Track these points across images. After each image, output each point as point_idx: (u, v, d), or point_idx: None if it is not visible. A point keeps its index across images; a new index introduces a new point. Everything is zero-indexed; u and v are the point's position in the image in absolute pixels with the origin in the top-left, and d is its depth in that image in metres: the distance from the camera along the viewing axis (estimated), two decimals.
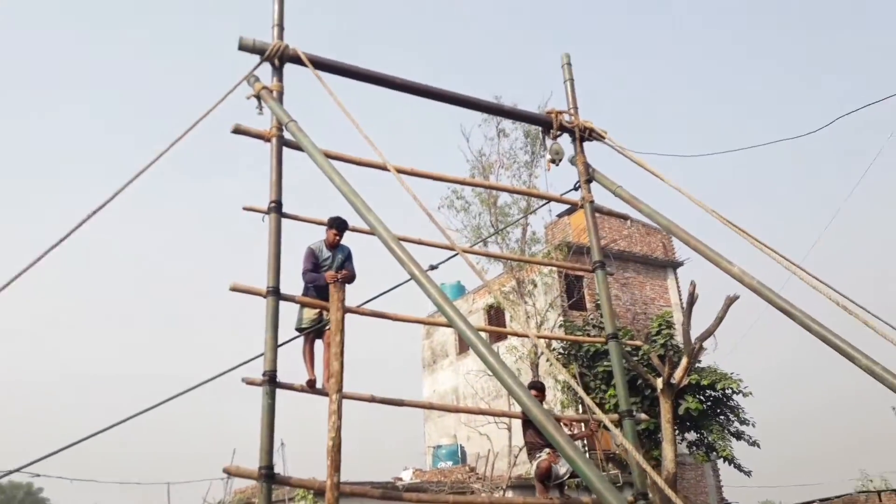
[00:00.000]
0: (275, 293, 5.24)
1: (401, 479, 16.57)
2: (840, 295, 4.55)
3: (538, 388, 7.77)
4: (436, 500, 7.25)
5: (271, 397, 4.99)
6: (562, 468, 7.67)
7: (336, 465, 4.82)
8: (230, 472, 5.32)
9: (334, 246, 6.74)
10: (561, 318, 20.61)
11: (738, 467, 18.96)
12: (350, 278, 6.50)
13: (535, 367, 18.48)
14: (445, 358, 25.52)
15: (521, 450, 16.22)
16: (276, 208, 5.47)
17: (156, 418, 5.73)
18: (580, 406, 18.55)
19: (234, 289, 5.35)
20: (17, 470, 5.83)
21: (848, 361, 4.13)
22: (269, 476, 4.88)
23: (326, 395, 5.23)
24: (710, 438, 18.11)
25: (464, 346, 23.41)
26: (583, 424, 9.77)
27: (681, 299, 23.80)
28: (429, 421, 25.44)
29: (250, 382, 5.22)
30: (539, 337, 11.23)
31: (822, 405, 59.46)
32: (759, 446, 18.25)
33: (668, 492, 3.08)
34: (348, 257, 6.84)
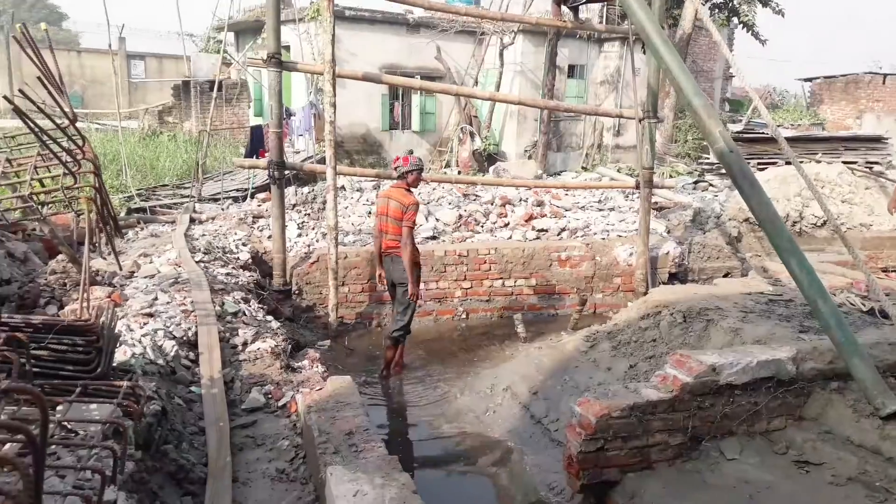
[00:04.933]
0: None
1: (411, 13, 16.22)
2: None
3: None
4: None
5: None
6: None
7: None
8: None
9: None
10: None
11: (756, 35, 18.60)
12: None
13: None
14: None
15: None
16: None
17: None
18: None
19: None
20: None
21: None
22: None
23: None
24: (736, 1, 17.28)
25: None
26: None
27: None
28: None
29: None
30: None
31: None
32: (783, 15, 17.57)
33: None
34: None
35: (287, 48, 15.73)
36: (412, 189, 6.05)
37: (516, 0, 16.81)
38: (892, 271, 9.59)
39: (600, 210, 10.62)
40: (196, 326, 4.88)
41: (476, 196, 10.45)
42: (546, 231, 9.36)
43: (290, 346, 5.21)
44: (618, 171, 15.47)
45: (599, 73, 17.77)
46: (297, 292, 7.48)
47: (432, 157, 16.09)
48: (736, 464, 3.82)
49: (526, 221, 9.59)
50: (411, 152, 15.05)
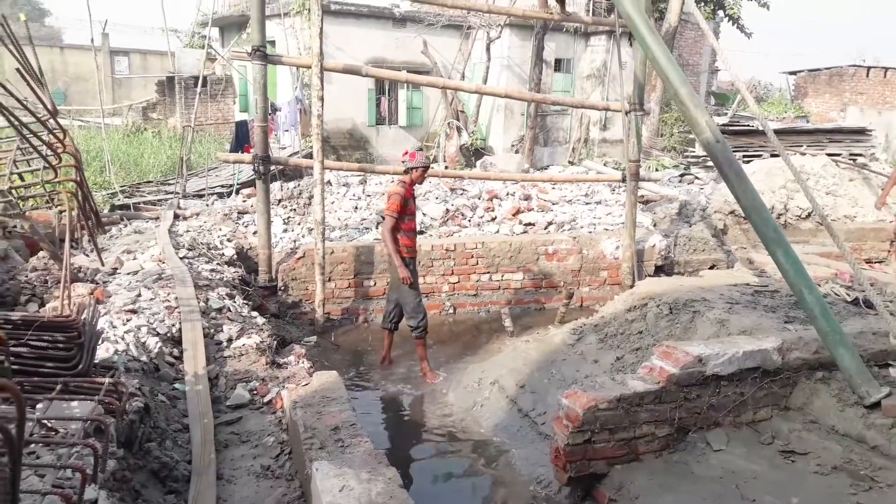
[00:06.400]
0: None
1: (397, 6, 16.17)
2: None
3: None
4: None
5: None
6: None
7: None
8: None
9: None
10: None
11: (741, 28, 18.69)
12: None
13: None
14: None
15: None
16: None
17: None
18: None
19: None
20: None
21: None
22: None
23: None
24: None
25: None
26: None
27: None
28: None
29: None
30: None
31: None
32: (768, 7, 17.66)
33: None
34: None
35: (272, 43, 15.63)
36: (414, 185, 6.04)
37: None
38: (876, 262, 9.66)
39: (587, 204, 10.62)
40: (180, 323, 4.83)
41: (463, 190, 10.42)
42: (533, 225, 9.35)
43: (275, 342, 5.17)
44: (604, 164, 15.50)
45: (586, 66, 17.79)
46: (282, 288, 7.43)
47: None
48: (723, 454, 3.83)
49: (513, 215, 9.57)
50: (420, 149, 15.02)
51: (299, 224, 8.56)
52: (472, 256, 8.27)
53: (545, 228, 9.30)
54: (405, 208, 5.89)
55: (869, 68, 22.30)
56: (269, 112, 13.88)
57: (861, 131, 13.03)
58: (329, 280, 7.43)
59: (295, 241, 7.99)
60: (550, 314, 8.10)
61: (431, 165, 6.52)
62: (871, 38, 64.10)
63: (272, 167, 7.44)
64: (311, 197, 8.35)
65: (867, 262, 9.53)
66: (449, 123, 15.92)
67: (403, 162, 6.08)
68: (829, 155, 11.85)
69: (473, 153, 16.01)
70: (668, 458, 3.86)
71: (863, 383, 3.83)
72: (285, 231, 8.30)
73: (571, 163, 16.81)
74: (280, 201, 9.09)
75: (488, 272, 8.36)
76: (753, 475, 3.62)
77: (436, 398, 5.73)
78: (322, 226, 6.96)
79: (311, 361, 4.94)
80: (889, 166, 13.03)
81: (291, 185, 9.56)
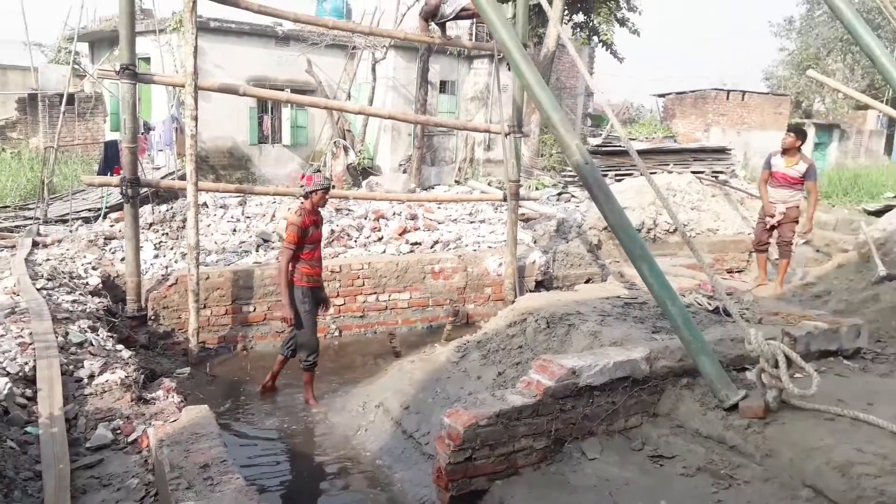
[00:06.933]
0: None
1: (281, 25, 15.90)
2: None
3: None
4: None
5: None
6: (448, 8, 7.37)
7: None
8: None
9: None
10: None
11: (615, 53, 19.74)
12: None
13: None
14: None
15: (408, 9, 15.73)
16: None
17: None
18: None
19: None
20: None
21: None
22: None
23: None
24: (595, 21, 18.29)
25: None
26: None
27: None
28: None
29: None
30: None
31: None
32: (638, 34, 18.78)
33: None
34: None
35: (147, 60, 14.92)
36: (317, 209, 5.85)
37: (387, 15, 16.92)
38: (736, 272, 10.43)
39: (472, 222, 10.81)
40: (35, 360, 4.46)
41: (349, 210, 10.33)
42: (420, 244, 9.40)
43: (143, 376, 4.86)
44: (488, 184, 15.86)
45: (470, 88, 18.20)
46: (153, 318, 7.03)
47: (304, 171, 15.79)
48: (597, 463, 3.96)
49: (399, 235, 9.58)
50: (318, 171, 14.70)
51: (172, 249, 8.15)
52: (359, 277, 8.19)
53: (431, 247, 9.37)
54: (304, 237, 5.71)
55: (729, 92, 24.18)
56: (143, 131, 13.23)
57: (722, 150, 14.10)
58: (204, 307, 7.11)
59: (167, 267, 7.59)
60: (437, 332, 8.14)
61: (332, 185, 6.37)
62: (732, 65, 70.53)
63: (143, 190, 7.07)
64: (184, 220, 7.98)
65: (728, 272, 10.26)
66: (335, 142, 15.78)
67: (302, 186, 5.92)
68: (693, 172, 12.73)
69: (361, 172, 15.93)
70: (546, 471, 3.94)
71: (722, 387, 4.07)
72: (156, 256, 7.88)
73: (458, 182, 17.08)
74: (151, 225, 8.64)
75: (375, 293, 8.30)
76: (625, 482, 3.76)
77: (319, 425, 5.58)
78: (196, 250, 6.66)
79: (182, 395, 4.69)
80: (747, 182, 14.15)
81: (164, 207, 9.11)
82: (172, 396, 4.48)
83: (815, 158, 24.97)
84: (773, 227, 7.91)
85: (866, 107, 21.33)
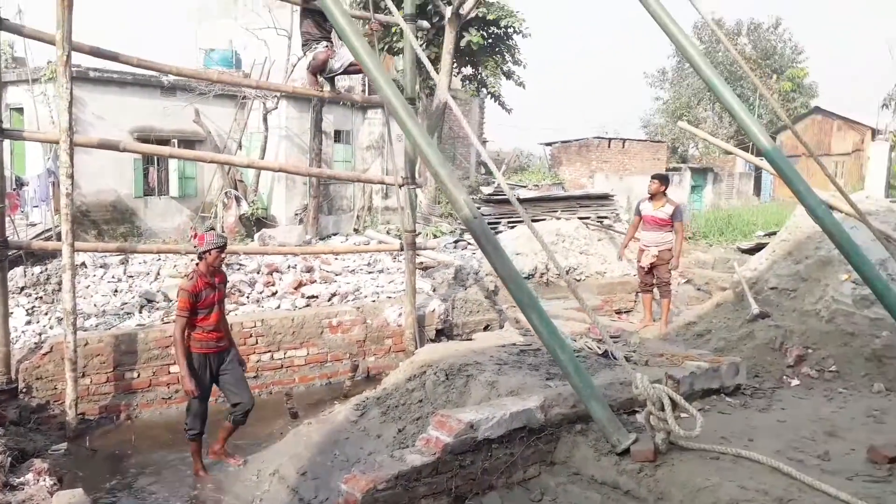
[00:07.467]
0: None
1: (166, 76, 15.46)
2: None
3: None
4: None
5: None
6: (336, 63, 7.45)
7: None
8: None
9: None
10: None
11: (502, 105, 20.54)
12: None
13: None
14: None
15: (299, 60, 15.72)
16: None
17: None
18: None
19: None
20: None
21: None
22: None
23: None
24: (483, 74, 18.99)
25: None
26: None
27: None
28: (203, 21, 23.32)
29: None
30: None
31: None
32: (524, 87, 19.64)
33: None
34: None
35: (20, 110, 14.07)
36: (213, 269, 5.55)
37: (278, 64, 16.84)
38: (624, 312, 10.90)
39: (370, 273, 10.77)
40: None
41: (240, 265, 10.03)
42: (317, 297, 9.24)
43: (9, 458, 4.45)
44: (388, 232, 15.89)
45: (365, 138, 18.32)
46: (24, 390, 6.46)
47: (194, 223, 15.25)
48: None
49: (295, 289, 9.39)
50: (211, 229, 14.12)
51: (47, 314, 7.59)
52: (251, 335, 7.92)
53: (329, 300, 9.23)
54: (196, 302, 5.42)
55: (610, 140, 25.66)
56: (15, 187, 12.39)
57: (605, 196, 14.84)
58: (83, 375, 6.62)
59: (41, 334, 7.05)
60: (337, 388, 7.97)
61: (228, 241, 6.11)
62: (613, 114, 75.54)
63: (12, 251, 6.58)
64: (60, 283, 7.48)
65: (617, 313, 10.71)
66: (227, 193, 15.36)
67: (195, 247, 5.65)
68: (580, 218, 13.30)
69: (255, 223, 15.56)
70: None
71: (614, 432, 4.20)
72: (29, 323, 7.31)
73: (357, 230, 17.01)
74: (23, 289, 8.03)
75: (269, 351, 8.05)
76: None
77: (210, 500, 5.28)
78: (73, 315, 6.24)
79: (57, 477, 4.34)
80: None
81: (38, 269, 8.51)
82: (44, 480, 4.13)
83: (692, 200, 26.88)
84: (650, 270, 8.37)
85: None
